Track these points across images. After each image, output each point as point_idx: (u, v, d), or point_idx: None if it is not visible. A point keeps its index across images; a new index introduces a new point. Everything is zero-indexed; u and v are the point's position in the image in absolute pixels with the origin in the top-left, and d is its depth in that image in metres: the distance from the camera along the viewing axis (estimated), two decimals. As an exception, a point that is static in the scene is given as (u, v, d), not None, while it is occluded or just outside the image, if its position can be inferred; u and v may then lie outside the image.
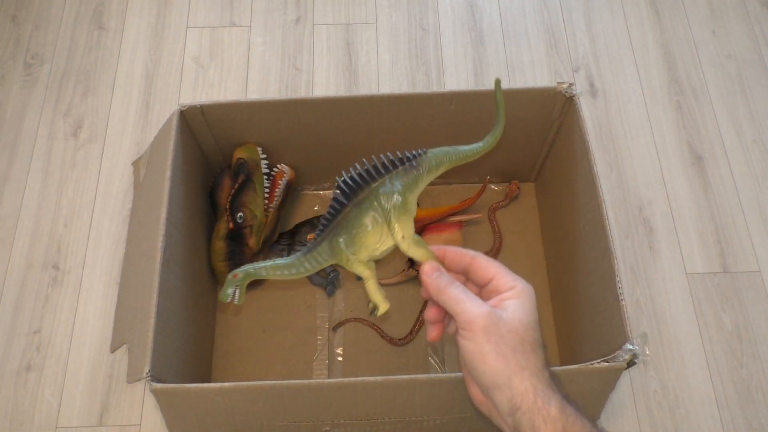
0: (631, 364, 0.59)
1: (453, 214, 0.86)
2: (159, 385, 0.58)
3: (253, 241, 0.81)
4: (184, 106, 0.74)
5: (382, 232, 0.47)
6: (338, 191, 0.47)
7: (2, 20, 1.08)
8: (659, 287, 0.87)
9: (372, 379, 0.60)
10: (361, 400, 0.62)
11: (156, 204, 0.68)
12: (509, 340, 0.43)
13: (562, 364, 0.63)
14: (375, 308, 0.51)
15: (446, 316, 0.49)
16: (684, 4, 1.10)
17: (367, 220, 0.47)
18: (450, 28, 1.08)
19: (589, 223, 0.71)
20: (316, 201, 0.92)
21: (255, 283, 0.85)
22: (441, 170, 0.50)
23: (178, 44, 1.06)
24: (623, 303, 0.62)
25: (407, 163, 0.48)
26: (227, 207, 0.80)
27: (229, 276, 0.47)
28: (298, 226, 0.88)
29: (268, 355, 0.82)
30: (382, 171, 0.47)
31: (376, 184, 0.47)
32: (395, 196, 0.47)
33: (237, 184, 0.79)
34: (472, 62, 1.04)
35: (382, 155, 0.47)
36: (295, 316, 0.84)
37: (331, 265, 0.89)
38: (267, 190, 0.82)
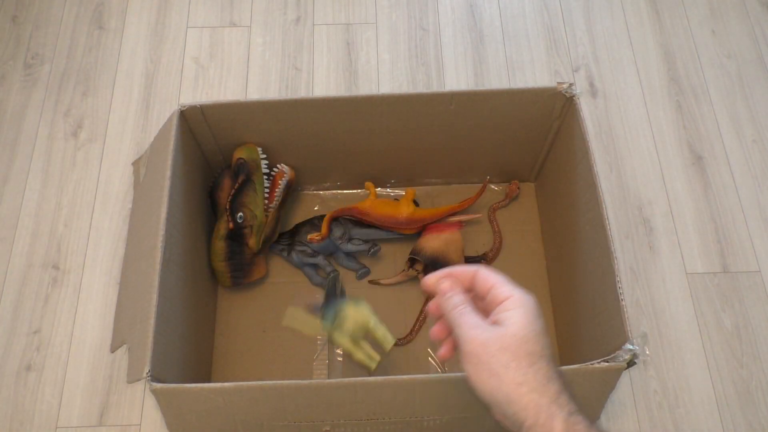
0: (631, 364, 0.59)
1: (453, 214, 0.86)
2: (159, 385, 0.58)
3: (253, 241, 0.81)
4: (184, 106, 0.74)
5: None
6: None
7: (2, 20, 1.08)
8: (659, 287, 0.87)
9: (372, 379, 0.60)
10: (361, 400, 0.62)
11: (156, 204, 0.68)
12: (500, 358, 0.43)
13: (562, 364, 0.63)
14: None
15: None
16: (684, 4, 1.10)
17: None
18: (450, 28, 1.07)
19: (589, 223, 0.71)
20: (316, 201, 0.92)
21: (255, 283, 0.85)
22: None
23: (178, 44, 1.06)
24: (623, 303, 0.62)
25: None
26: (227, 207, 0.80)
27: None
28: (298, 226, 0.88)
29: (268, 355, 0.82)
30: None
31: None
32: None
33: (237, 184, 0.79)
34: (472, 62, 1.04)
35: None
36: (296, 316, 0.84)
37: (332, 266, 0.89)
38: (267, 190, 0.81)
